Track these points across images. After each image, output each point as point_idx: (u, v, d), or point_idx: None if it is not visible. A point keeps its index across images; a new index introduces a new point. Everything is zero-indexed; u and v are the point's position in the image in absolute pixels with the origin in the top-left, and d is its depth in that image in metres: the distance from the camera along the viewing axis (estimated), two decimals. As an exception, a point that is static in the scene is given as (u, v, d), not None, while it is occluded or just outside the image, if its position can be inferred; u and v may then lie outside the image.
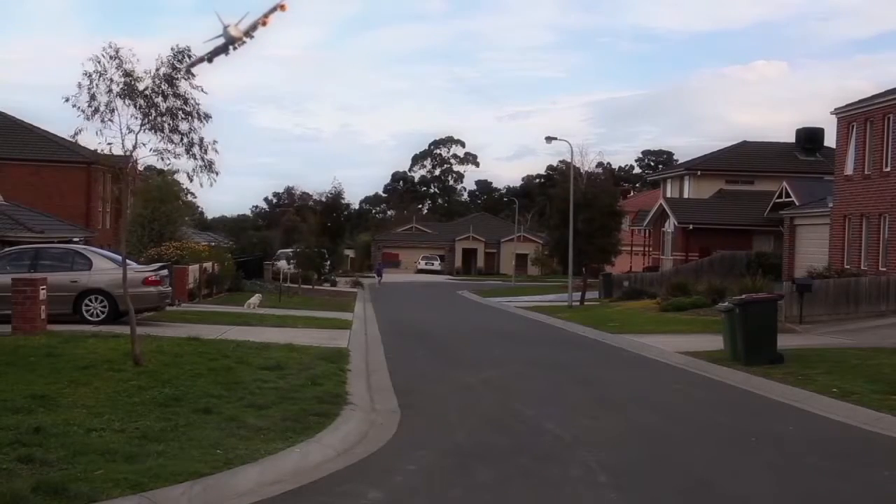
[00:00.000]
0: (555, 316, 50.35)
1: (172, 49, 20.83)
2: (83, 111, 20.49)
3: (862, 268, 50.71)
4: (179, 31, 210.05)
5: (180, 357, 22.44)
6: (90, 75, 20.41)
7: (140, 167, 25.17)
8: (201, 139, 21.27)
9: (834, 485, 13.28)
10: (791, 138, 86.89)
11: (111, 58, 20.39)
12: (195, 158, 21.32)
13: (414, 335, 37.42)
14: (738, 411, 19.84)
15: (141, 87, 20.56)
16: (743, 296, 28.91)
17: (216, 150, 21.64)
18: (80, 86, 20.47)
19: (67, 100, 20.53)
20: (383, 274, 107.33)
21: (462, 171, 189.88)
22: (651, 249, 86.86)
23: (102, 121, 20.60)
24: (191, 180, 21.93)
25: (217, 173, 21.92)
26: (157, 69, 20.61)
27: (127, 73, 20.46)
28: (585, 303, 61.36)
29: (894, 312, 39.71)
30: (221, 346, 25.33)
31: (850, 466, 14.47)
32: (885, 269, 48.08)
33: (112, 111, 20.52)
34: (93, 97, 20.43)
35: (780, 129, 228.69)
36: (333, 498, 11.96)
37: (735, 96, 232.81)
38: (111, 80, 20.41)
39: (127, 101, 20.54)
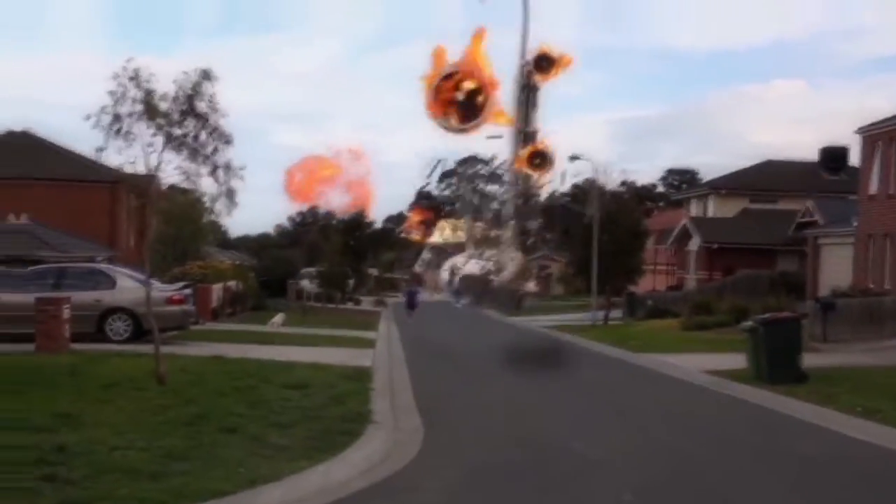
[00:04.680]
0: (579, 335, 50.28)
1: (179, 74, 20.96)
2: (106, 130, 20.63)
3: (885, 287, 50.53)
4: (204, 50, 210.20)
5: (204, 376, 22.48)
6: (114, 94, 20.53)
7: (164, 186, 25.25)
8: (227, 164, 21.40)
9: (859, 504, 13.23)
10: (813, 157, 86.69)
11: (130, 78, 20.51)
12: (218, 183, 21.45)
13: (437, 354, 37.40)
14: (762, 430, 19.75)
15: (163, 106, 20.69)
16: (767, 315, 28.82)
17: (241, 178, 21.74)
18: (104, 108, 20.59)
19: (89, 117, 20.66)
20: (418, 300, 70.14)
21: (487, 190, 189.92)
22: (675, 268, 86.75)
23: (126, 140, 20.74)
24: (213, 204, 22.10)
25: (237, 204, 22.06)
26: (178, 91, 20.73)
27: (147, 93, 20.58)
28: (609, 322, 61.23)
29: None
30: (245, 365, 25.37)
31: (877, 486, 14.41)
32: (908, 289, 47.91)
33: (130, 133, 20.67)
34: (116, 117, 20.55)
35: (801, 147, 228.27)
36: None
37: (756, 115, 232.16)
38: (133, 99, 20.54)
39: (148, 123, 20.67)
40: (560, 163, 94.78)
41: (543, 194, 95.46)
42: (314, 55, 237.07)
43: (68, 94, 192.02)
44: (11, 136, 67.25)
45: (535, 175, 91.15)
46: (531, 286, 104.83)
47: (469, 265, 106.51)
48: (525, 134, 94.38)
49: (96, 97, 20.64)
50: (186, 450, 13.97)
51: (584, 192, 79.08)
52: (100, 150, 21.20)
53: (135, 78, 20.51)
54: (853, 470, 15.63)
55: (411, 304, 69.29)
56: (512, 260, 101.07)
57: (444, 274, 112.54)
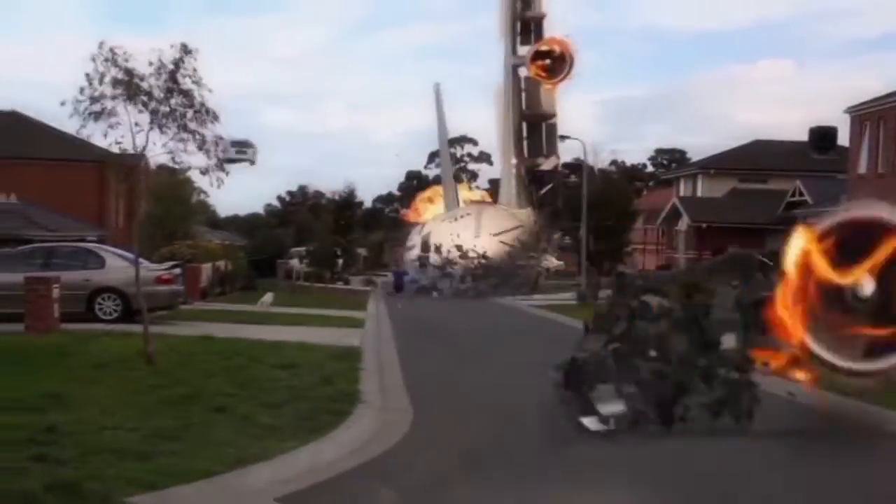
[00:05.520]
0: (567, 314, 50.09)
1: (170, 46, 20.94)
2: (83, 114, 20.63)
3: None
4: (188, 30, 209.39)
5: (193, 356, 22.48)
6: (90, 78, 20.49)
7: (152, 165, 25.25)
8: (215, 138, 21.40)
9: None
10: (801, 137, 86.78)
11: (106, 60, 20.47)
12: (208, 156, 21.47)
13: (426, 333, 37.37)
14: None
15: (144, 85, 20.67)
16: (756, 294, 28.80)
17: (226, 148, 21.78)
18: (81, 90, 20.56)
19: (63, 104, 20.67)
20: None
21: (476, 170, 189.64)
22: (664, 248, 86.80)
23: (109, 126, 20.73)
24: (204, 174, 22.09)
25: (227, 173, 22.08)
26: (159, 68, 20.70)
27: (127, 72, 20.54)
28: (598, 301, 60.94)
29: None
30: (234, 345, 25.37)
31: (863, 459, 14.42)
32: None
33: (112, 114, 20.65)
34: (95, 99, 20.53)
35: (790, 128, 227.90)
36: (346, 496, 11.97)
37: (744, 95, 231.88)
38: (114, 79, 20.50)
39: (132, 102, 20.64)
40: (574, 77, 74.63)
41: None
42: (304, 36, 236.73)
43: (54, 73, 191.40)
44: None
45: (544, 84, 72.93)
46: (550, 261, 77.40)
47: (452, 236, 75.13)
48: (524, 21, 76.40)
49: (81, 76, 20.63)
50: (175, 430, 13.97)
51: (575, 171, 78.36)
52: (81, 128, 21.19)
53: (109, 59, 20.47)
54: (840, 442, 15.66)
55: (398, 286, 68.67)
56: (517, 221, 74.79)
57: (412, 250, 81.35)
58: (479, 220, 75.69)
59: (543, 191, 76.26)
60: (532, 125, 76.17)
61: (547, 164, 75.82)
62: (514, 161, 76.48)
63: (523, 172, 76.48)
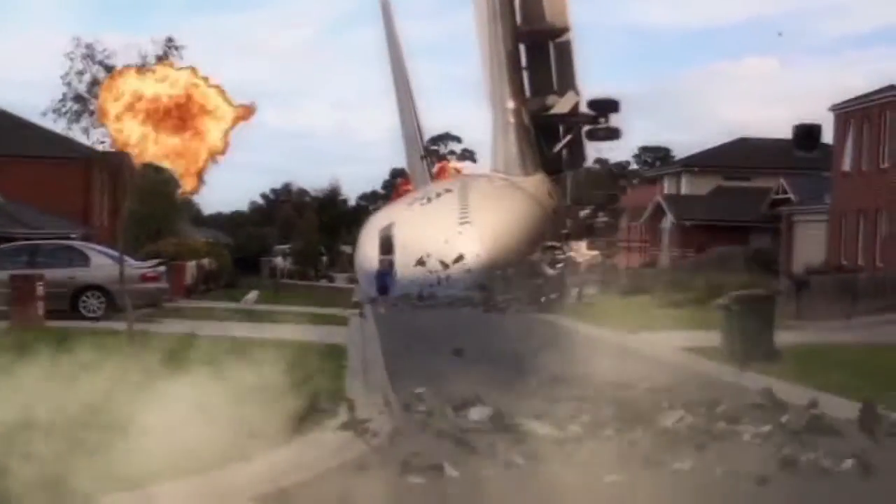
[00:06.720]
0: (551, 311, 49.90)
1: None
2: (65, 115, 20.68)
3: (859, 264, 50.80)
4: (171, 28, 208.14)
5: (177, 353, 22.45)
6: (66, 79, 20.51)
7: (137, 164, 25.23)
8: None
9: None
10: (786, 134, 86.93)
11: (84, 57, 20.49)
12: None
13: (411, 331, 37.34)
14: (734, 406, 19.80)
15: None
16: (740, 292, 28.88)
17: None
18: (63, 96, 20.57)
19: (45, 114, 20.70)
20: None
21: (460, 168, 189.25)
22: (648, 246, 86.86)
23: (91, 120, 20.76)
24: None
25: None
26: (144, 65, 20.72)
27: (107, 68, 20.58)
28: (583, 299, 60.88)
29: (891, 308, 39.68)
30: (218, 343, 25.32)
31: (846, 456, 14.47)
32: (882, 265, 48.14)
33: (94, 112, 20.69)
34: (75, 99, 20.56)
35: (775, 125, 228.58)
36: (329, 495, 11.98)
37: (729, 92, 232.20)
38: (94, 77, 20.54)
39: None
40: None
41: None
42: (287, 34, 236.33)
43: (35, 71, 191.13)
44: (-17, 113, 67.03)
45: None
46: (578, 250, 52.76)
47: (424, 227, 49.73)
48: None
49: (61, 74, 20.63)
50: (159, 427, 13.95)
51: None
52: (68, 129, 21.20)
53: (89, 56, 20.50)
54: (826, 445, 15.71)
55: (382, 287, 53.29)
56: (522, 194, 50.27)
57: (369, 245, 54.07)
58: (466, 199, 52.42)
59: (560, 145, 54.01)
60: (534, 47, 52.61)
61: (562, 105, 52.94)
62: (510, 104, 52.29)
63: (526, 120, 52.39)
